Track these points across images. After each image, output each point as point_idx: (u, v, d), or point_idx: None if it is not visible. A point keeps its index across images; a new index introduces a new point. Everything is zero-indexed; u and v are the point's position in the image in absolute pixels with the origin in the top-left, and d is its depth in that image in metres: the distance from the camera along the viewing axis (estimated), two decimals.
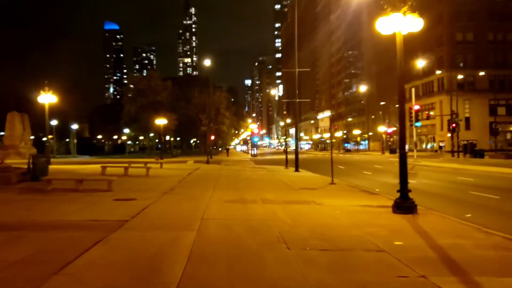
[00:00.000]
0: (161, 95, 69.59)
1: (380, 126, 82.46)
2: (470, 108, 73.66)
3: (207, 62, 52.35)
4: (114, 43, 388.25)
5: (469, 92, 72.92)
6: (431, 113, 72.33)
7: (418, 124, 36.71)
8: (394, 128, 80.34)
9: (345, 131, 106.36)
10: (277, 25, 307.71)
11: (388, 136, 78.39)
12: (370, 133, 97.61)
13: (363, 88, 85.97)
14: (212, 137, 58.66)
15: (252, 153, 65.72)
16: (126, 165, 22.77)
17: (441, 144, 75.08)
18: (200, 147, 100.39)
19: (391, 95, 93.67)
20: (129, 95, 70.24)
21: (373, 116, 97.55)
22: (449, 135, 68.14)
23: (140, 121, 69.29)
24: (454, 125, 53.45)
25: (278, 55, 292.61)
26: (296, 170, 27.01)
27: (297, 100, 26.39)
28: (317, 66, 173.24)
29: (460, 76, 68.03)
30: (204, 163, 37.38)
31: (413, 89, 37.74)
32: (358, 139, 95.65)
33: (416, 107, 36.11)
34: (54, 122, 61.11)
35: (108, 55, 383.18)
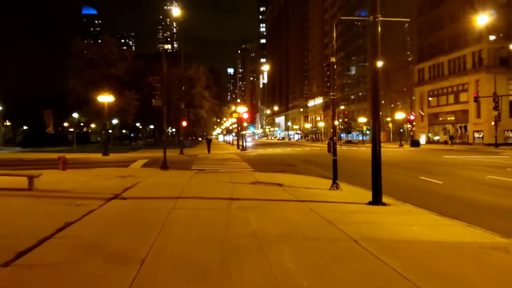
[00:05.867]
0: (117, 67, 51.66)
1: (397, 112, 66.42)
2: None
3: (176, 12, 35.17)
4: (92, 29, 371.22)
5: None
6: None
7: None
8: (413, 117, 64.18)
9: (346, 120, 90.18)
10: (261, 9, 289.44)
11: (409, 125, 62.14)
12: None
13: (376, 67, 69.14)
14: (184, 123, 41.49)
15: (243, 144, 48.14)
16: None
17: (477, 135, 59.21)
18: (176, 136, 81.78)
19: (405, 77, 78.17)
20: (74, 67, 51.79)
21: (383, 101, 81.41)
22: (493, 123, 52.67)
23: (90, 102, 51.37)
24: None
25: (263, 41, 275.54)
26: (377, 200, 10.32)
27: (377, 25, 9.55)
28: (306, 50, 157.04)
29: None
30: (158, 168, 20.23)
31: None
32: (364, 128, 79.29)
33: None
34: None
35: (85, 41, 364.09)
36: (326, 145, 71.49)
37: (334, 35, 12.86)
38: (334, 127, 13.08)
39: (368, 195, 12.12)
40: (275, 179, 15.79)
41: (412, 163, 26.18)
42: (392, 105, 77.82)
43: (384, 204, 10.53)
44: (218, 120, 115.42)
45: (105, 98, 36.46)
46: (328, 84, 13.19)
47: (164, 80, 22.72)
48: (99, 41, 52.69)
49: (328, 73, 13.56)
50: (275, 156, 37.07)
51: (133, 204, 9.91)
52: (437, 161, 28.79)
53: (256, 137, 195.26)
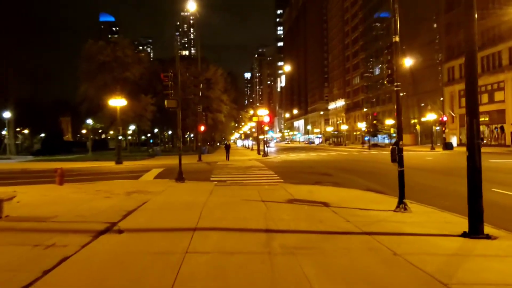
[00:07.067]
0: (131, 70, 49.25)
1: (427, 113, 62.38)
2: None
3: (192, 6, 32.50)
4: (109, 36, 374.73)
5: None
6: None
7: None
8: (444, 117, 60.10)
9: (374, 122, 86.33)
10: (279, 11, 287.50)
11: (442, 126, 58.23)
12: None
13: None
14: (202, 128, 38.73)
15: (264, 150, 44.81)
16: None
17: None
18: (194, 142, 79.02)
19: (433, 77, 74.26)
20: (85, 70, 49.36)
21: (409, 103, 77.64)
22: None
23: (104, 108, 48.97)
24: None
25: (280, 44, 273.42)
26: (477, 231, 7.37)
27: None
28: (325, 51, 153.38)
29: None
30: (173, 180, 17.33)
31: None
32: (392, 131, 75.32)
33: None
34: None
35: (99, 43, 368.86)
36: (352, 150, 68.13)
37: (396, 6, 9.78)
38: (399, 128, 9.73)
39: (448, 218, 9.13)
40: (315, 195, 12.66)
41: (463, 170, 22.70)
42: (422, 105, 73.81)
43: (488, 236, 7.35)
44: (236, 125, 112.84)
45: (117, 102, 33.94)
46: (389, 72, 10.00)
47: (178, 76, 19.88)
48: (117, 48, 50.22)
49: (389, 57, 10.40)
50: (302, 163, 33.84)
51: (129, 245, 6.91)
52: (488, 166, 25.18)
53: (275, 141, 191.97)
